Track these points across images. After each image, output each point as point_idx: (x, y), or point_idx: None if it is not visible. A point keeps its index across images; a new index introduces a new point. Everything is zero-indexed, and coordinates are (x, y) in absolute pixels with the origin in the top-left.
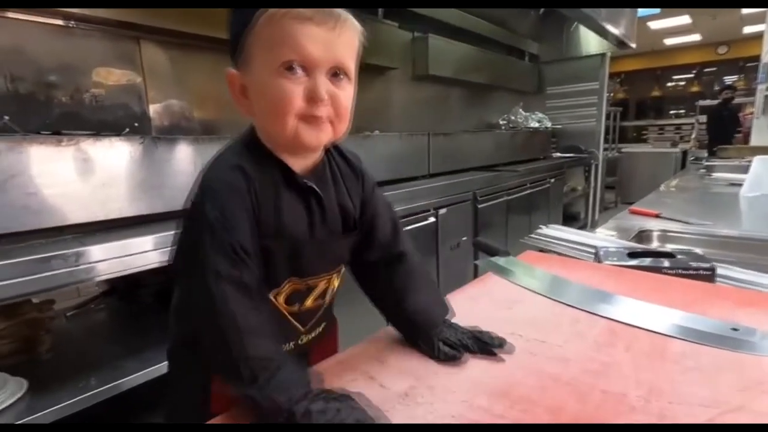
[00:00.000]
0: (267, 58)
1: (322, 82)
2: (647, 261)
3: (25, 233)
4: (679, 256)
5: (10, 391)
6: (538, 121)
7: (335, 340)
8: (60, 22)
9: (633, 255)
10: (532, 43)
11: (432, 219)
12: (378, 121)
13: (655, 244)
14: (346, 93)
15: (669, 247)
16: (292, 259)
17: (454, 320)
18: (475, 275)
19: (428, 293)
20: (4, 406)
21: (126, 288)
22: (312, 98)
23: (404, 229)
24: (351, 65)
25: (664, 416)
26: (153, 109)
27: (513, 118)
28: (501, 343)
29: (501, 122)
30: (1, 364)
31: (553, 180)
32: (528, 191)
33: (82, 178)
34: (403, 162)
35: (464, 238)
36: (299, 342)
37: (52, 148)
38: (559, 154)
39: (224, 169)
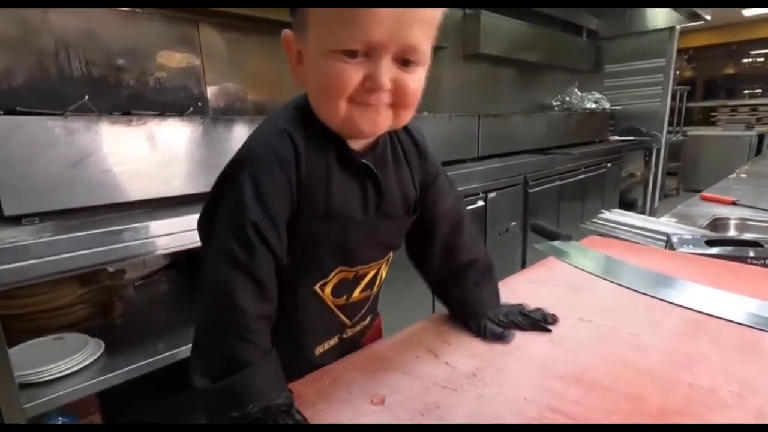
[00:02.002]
0: (321, 35)
1: (385, 67)
2: (729, 249)
3: (100, 207)
4: (767, 246)
5: (90, 351)
6: (595, 102)
7: (380, 333)
8: (126, 7)
9: (712, 243)
10: (591, 18)
11: (481, 203)
12: (427, 102)
13: (732, 233)
14: (416, 77)
15: (749, 236)
16: (340, 246)
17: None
18: (524, 261)
19: (487, 286)
20: (86, 363)
21: (186, 261)
22: (371, 87)
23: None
24: (425, 47)
25: (763, 414)
26: (210, 90)
27: (567, 98)
28: (554, 319)
29: (554, 103)
30: (82, 326)
31: (609, 164)
32: (582, 176)
33: (149, 156)
34: (452, 144)
35: (513, 224)
36: (344, 336)
37: (123, 127)
38: (617, 137)
39: (272, 132)
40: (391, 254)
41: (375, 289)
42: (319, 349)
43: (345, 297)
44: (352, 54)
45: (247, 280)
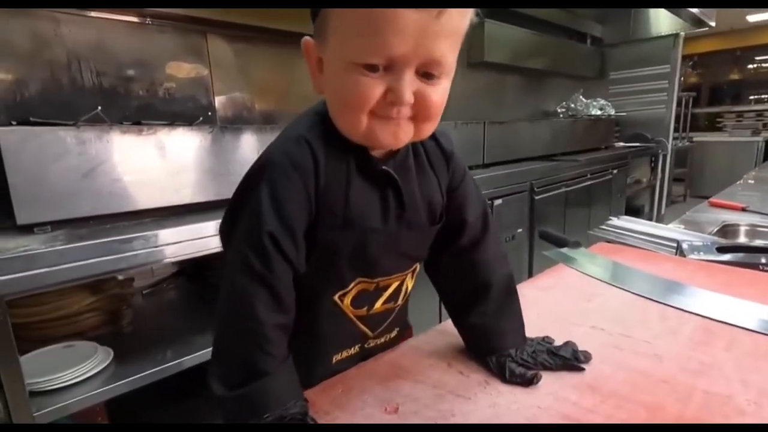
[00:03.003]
0: (345, 47)
1: (407, 81)
2: (741, 256)
3: (110, 216)
4: None
5: (100, 359)
6: (600, 109)
7: None
8: (136, 19)
9: (723, 250)
10: (595, 25)
11: None
12: None
13: (742, 239)
14: (440, 89)
15: (759, 243)
16: (359, 256)
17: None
18: (530, 268)
19: (508, 315)
20: (95, 371)
21: (194, 270)
22: (392, 101)
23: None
24: (451, 59)
25: None
26: (218, 100)
27: (572, 105)
28: (586, 357)
29: (559, 110)
30: (91, 334)
31: (615, 171)
32: (588, 182)
33: (159, 165)
34: (458, 151)
35: (520, 230)
36: (366, 346)
37: (134, 136)
38: (622, 144)
39: (290, 139)
40: (417, 266)
41: (400, 302)
42: (337, 357)
43: (366, 308)
44: (372, 68)
45: (264, 290)
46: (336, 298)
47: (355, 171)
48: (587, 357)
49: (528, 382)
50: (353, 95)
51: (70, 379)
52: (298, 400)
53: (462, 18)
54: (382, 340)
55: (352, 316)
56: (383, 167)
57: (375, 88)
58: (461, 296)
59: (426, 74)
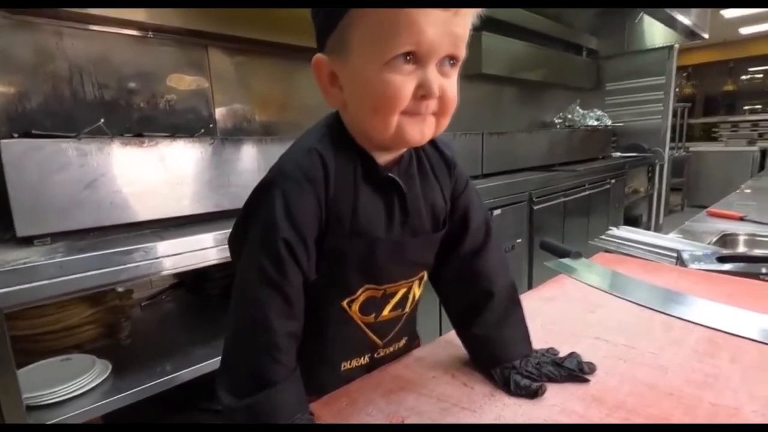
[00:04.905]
0: (375, 48)
1: (434, 75)
2: (742, 266)
3: (111, 227)
4: None
5: (97, 372)
6: (597, 119)
7: None
8: (138, 33)
9: (724, 259)
10: (591, 38)
11: None
12: None
13: (741, 249)
14: (455, 83)
15: (758, 252)
16: (366, 263)
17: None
18: (530, 279)
19: (512, 324)
20: (93, 385)
21: (193, 281)
22: (423, 95)
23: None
24: (464, 54)
25: None
26: (219, 112)
27: (569, 116)
28: (590, 368)
29: (557, 121)
30: (89, 347)
31: (613, 181)
32: (586, 192)
33: (159, 176)
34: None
35: (519, 241)
36: (375, 356)
37: (135, 148)
38: (619, 154)
39: (302, 151)
40: (424, 274)
41: (407, 309)
42: (346, 366)
43: (374, 315)
44: (406, 58)
45: (277, 296)
46: (344, 304)
47: (362, 179)
48: (592, 368)
49: (533, 394)
50: (389, 94)
51: (67, 393)
52: (305, 413)
53: (472, 17)
54: (391, 349)
55: (360, 323)
56: (389, 174)
57: (408, 85)
58: (464, 306)
59: (443, 69)
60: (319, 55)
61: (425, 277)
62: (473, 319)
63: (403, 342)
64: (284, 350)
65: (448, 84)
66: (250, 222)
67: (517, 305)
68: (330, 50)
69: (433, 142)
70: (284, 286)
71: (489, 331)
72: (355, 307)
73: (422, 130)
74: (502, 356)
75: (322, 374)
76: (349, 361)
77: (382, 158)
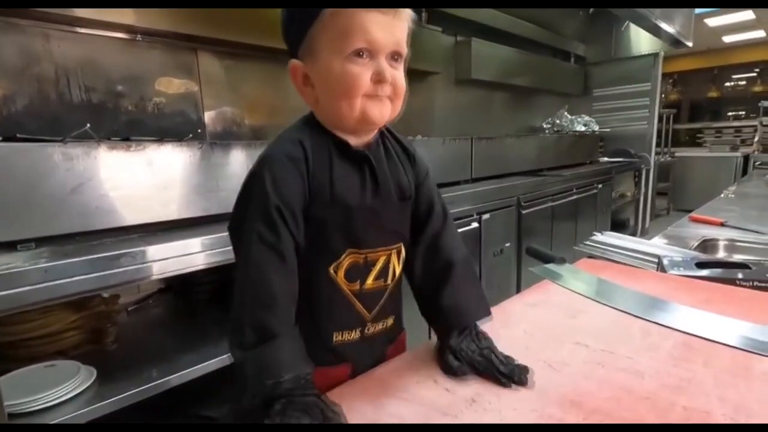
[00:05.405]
0: (337, 46)
1: (385, 65)
2: (719, 272)
3: (97, 232)
4: (754, 267)
5: (82, 378)
6: (585, 125)
7: (404, 348)
8: (126, 36)
9: (702, 265)
10: (579, 45)
11: (475, 224)
12: (420, 126)
13: (721, 254)
14: (402, 74)
15: (737, 258)
16: (346, 227)
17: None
18: (518, 282)
19: (468, 288)
20: (77, 392)
21: (180, 286)
22: (379, 80)
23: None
24: (406, 49)
25: None
26: (208, 115)
27: (558, 121)
28: (519, 375)
29: (545, 126)
30: (74, 353)
31: (600, 185)
32: (574, 197)
33: (147, 180)
34: (446, 167)
35: (507, 245)
36: (366, 331)
37: (122, 153)
38: (606, 159)
39: (284, 139)
40: (401, 247)
41: (389, 282)
42: (337, 337)
43: (358, 282)
44: (361, 55)
45: (274, 256)
46: (331, 269)
47: (336, 158)
48: (522, 380)
49: (452, 374)
50: (351, 81)
51: (51, 400)
52: (306, 371)
53: (408, 19)
54: (380, 326)
55: (347, 290)
56: (359, 150)
57: (366, 73)
58: (430, 276)
59: (393, 58)
60: (294, 61)
61: (403, 252)
62: (439, 288)
63: (390, 321)
64: (283, 306)
65: (397, 74)
66: (246, 201)
67: (473, 272)
68: (302, 56)
69: (393, 135)
70: (279, 246)
71: (450, 297)
72: (341, 273)
73: (381, 110)
74: (461, 320)
75: (314, 345)
76: (340, 333)
77: (354, 141)
